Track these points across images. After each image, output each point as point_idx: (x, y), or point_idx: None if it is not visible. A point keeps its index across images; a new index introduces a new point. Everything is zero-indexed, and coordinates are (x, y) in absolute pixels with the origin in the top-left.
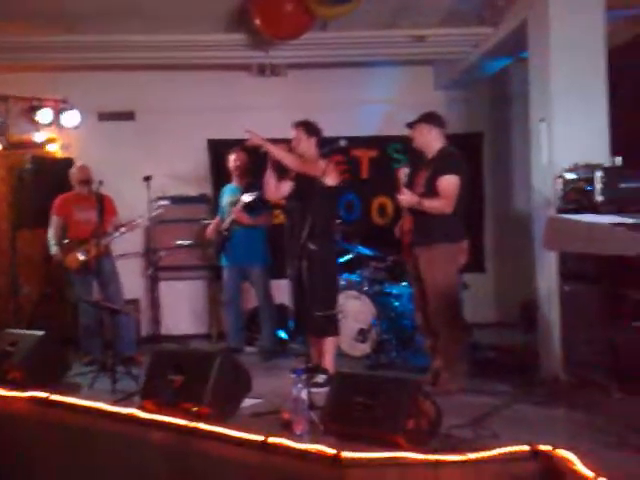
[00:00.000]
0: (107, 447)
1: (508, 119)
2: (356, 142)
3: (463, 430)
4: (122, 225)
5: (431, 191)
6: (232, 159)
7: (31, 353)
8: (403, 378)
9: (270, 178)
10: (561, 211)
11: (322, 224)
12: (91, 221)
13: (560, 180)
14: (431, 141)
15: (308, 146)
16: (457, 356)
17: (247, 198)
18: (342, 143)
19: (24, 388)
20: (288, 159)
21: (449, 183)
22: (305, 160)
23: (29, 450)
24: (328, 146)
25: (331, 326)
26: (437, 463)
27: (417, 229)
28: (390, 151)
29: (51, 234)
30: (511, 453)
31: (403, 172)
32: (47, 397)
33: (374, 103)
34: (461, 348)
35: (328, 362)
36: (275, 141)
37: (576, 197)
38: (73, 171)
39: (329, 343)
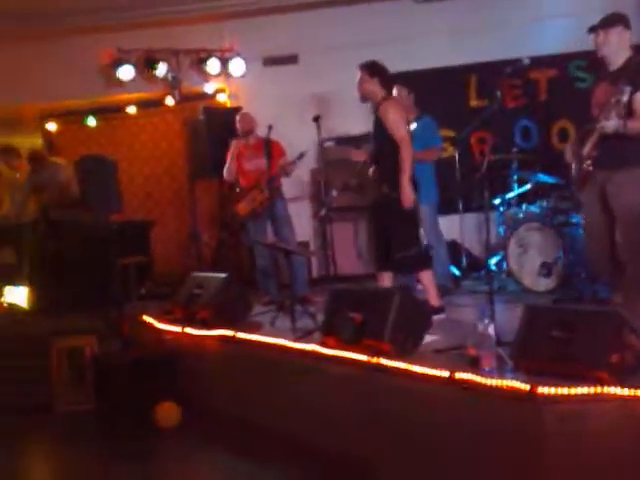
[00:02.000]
0: (292, 379)
1: None
2: (534, 62)
3: None
4: (287, 165)
5: (622, 112)
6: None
7: (216, 294)
8: (604, 310)
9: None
10: None
11: (393, 167)
12: (260, 168)
13: None
14: (623, 48)
15: (372, 86)
16: None
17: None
18: (526, 61)
19: (212, 327)
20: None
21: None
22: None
23: (221, 383)
24: (510, 67)
25: (417, 262)
26: None
27: (608, 153)
28: (572, 69)
29: (227, 176)
30: None
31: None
32: (234, 335)
33: (553, 18)
34: None
35: (433, 297)
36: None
37: None
38: (237, 120)
39: (426, 277)
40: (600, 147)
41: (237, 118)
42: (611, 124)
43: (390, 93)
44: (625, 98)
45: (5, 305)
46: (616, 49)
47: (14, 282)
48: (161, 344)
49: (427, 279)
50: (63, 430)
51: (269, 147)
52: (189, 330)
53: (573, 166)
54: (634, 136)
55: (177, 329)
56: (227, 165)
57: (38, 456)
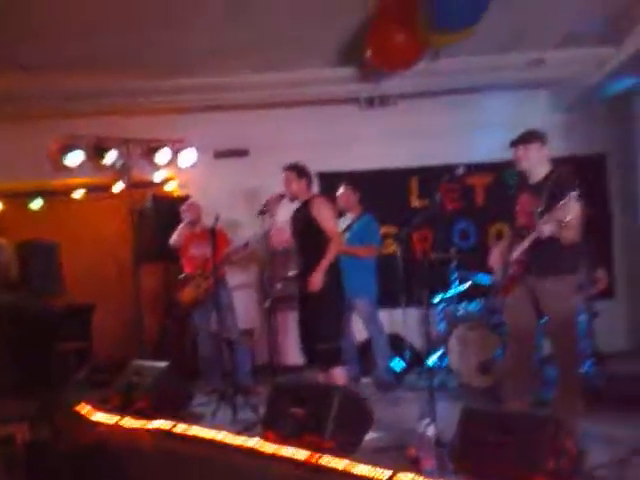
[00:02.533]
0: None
1: (633, 140)
2: (470, 169)
3: (607, 470)
4: (231, 252)
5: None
6: (339, 194)
7: (156, 383)
8: (542, 414)
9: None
10: None
11: (319, 260)
12: (204, 256)
13: None
14: (542, 162)
15: (299, 187)
16: (576, 391)
17: (346, 225)
18: (460, 171)
19: (150, 417)
20: (330, 255)
21: (576, 209)
22: (330, 230)
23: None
24: (446, 175)
25: (332, 357)
26: None
27: (541, 260)
28: (506, 177)
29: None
30: None
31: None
32: (171, 427)
33: (489, 128)
34: (579, 383)
35: None
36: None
37: None
38: (184, 209)
39: (337, 373)
40: (531, 253)
41: (184, 207)
42: (548, 228)
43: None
44: (572, 203)
45: None
46: (535, 163)
47: None
48: (94, 434)
49: (340, 376)
50: None
51: (214, 236)
52: (126, 420)
53: (496, 270)
54: (565, 243)
55: (113, 419)
56: (177, 232)
57: None
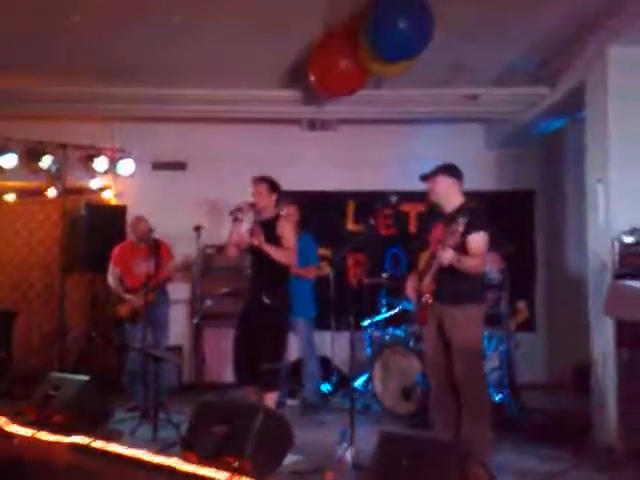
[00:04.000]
0: None
1: (561, 178)
2: (404, 197)
3: None
4: (171, 272)
5: (459, 249)
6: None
7: (74, 398)
8: (452, 441)
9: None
10: (619, 276)
11: (273, 277)
12: (147, 271)
13: (617, 243)
14: (452, 195)
15: (269, 202)
16: (484, 420)
17: None
18: (393, 200)
19: (66, 433)
20: (279, 255)
21: (481, 241)
22: (286, 247)
23: None
24: (380, 201)
25: (272, 381)
26: None
27: (445, 288)
28: (436, 207)
29: (112, 282)
30: None
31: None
32: (88, 444)
33: (423, 159)
34: (487, 412)
35: None
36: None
37: (634, 261)
38: (132, 223)
39: (269, 398)
40: (438, 281)
41: (132, 221)
42: (448, 255)
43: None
44: (460, 228)
45: None
46: (445, 195)
47: None
48: (8, 447)
49: (272, 400)
50: None
51: (157, 249)
52: (40, 435)
53: (413, 299)
54: (468, 272)
55: (28, 432)
56: (111, 270)
57: None
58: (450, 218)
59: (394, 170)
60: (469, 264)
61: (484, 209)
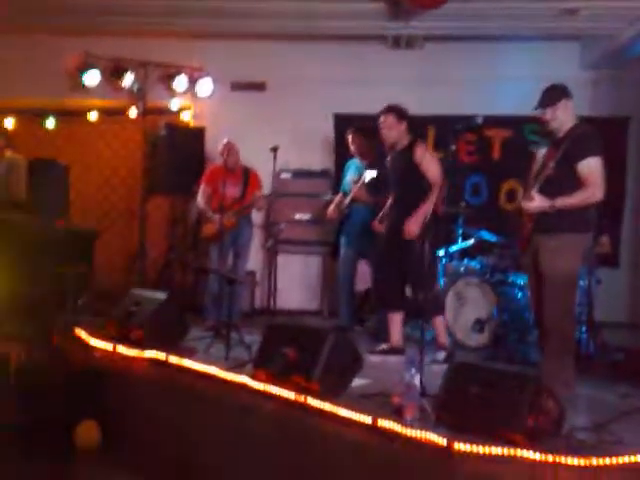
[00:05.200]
0: (217, 411)
1: None
2: (489, 121)
3: (586, 433)
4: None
5: (562, 175)
6: (349, 140)
7: (153, 314)
8: (526, 373)
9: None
10: None
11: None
12: (234, 195)
13: None
14: (567, 119)
15: (398, 131)
16: (566, 356)
17: (369, 176)
18: (479, 120)
19: (145, 347)
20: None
21: (593, 166)
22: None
23: (146, 408)
24: (463, 123)
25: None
26: (555, 465)
27: (541, 215)
28: (526, 132)
29: (200, 201)
30: (636, 462)
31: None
32: (165, 358)
33: (512, 80)
34: (571, 348)
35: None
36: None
37: None
38: (223, 149)
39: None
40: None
41: (221, 147)
42: (533, 205)
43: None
44: (559, 155)
45: None
46: (563, 121)
47: None
48: (90, 360)
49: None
50: None
51: (247, 176)
52: (121, 349)
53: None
54: (587, 203)
55: (109, 346)
56: (202, 189)
57: None
58: (558, 143)
59: (480, 92)
60: (571, 202)
61: (596, 132)
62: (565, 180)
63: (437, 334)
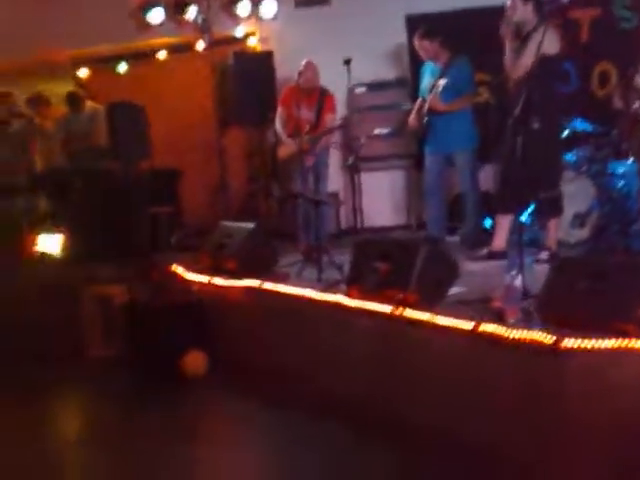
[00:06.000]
0: (317, 330)
1: None
2: (575, 0)
3: None
4: (330, 129)
5: None
6: (416, 46)
7: (244, 244)
8: (633, 261)
9: (510, 52)
10: None
11: (541, 98)
12: (308, 118)
13: None
14: None
15: (525, 13)
16: None
17: (442, 82)
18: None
19: (239, 277)
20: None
21: None
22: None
23: (247, 334)
24: (547, 5)
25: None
26: None
27: None
28: (617, 8)
29: (278, 124)
30: None
31: None
32: (260, 285)
33: None
34: None
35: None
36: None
37: None
38: (301, 70)
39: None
40: None
41: (301, 68)
42: None
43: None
44: None
45: (39, 253)
46: None
47: (48, 230)
48: (189, 293)
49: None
50: (92, 377)
51: (323, 99)
52: (216, 280)
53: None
54: None
55: (205, 278)
56: (278, 112)
57: (67, 402)
58: None
59: None
60: None
61: None
62: None
63: (549, 236)
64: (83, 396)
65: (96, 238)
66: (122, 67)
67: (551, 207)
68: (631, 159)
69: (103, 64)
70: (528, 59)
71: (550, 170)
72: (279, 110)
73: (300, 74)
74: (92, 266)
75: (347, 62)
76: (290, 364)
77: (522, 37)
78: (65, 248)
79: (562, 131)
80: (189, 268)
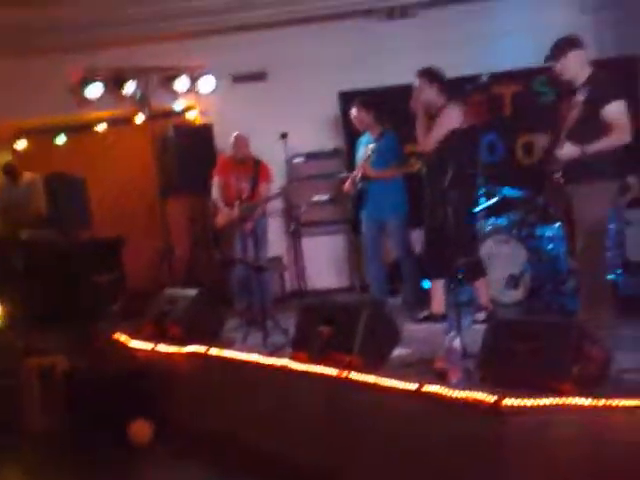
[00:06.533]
0: (263, 395)
1: None
2: (497, 78)
3: (635, 373)
4: (268, 198)
5: (587, 122)
6: (352, 116)
7: (188, 310)
8: (566, 321)
9: (420, 128)
10: None
11: (461, 170)
12: (244, 188)
13: None
14: (581, 68)
15: (430, 94)
16: (601, 299)
17: (372, 147)
18: (484, 78)
19: (183, 343)
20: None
21: (619, 110)
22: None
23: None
24: (470, 84)
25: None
26: (607, 409)
27: (570, 164)
28: (536, 84)
29: (215, 193)
30: None
31: None
32: (205, 351)
33: (513, 34)
34: (606, 290)
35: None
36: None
37: None
38: (233, 142)
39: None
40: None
41: (232, 140)
42: (566, 153)
43: (449, 98)
44: (581, 98)
45: None
46: (577, 71)
47: None
48: (132, 361)
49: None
50: (34, 450)
51: (257, 169)
52: (161, 346)
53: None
54: (611, 148)
55: (149, 346)
56: (215, 181)
57: (9, 477)
58: (574, 93)
59: (482, 51)
60: (601, 146)
61: (613, 75)
62: (591, 127)
63: (479, 296)
64: (25, 471)
65: (36, 308)
66: (61, 139)
67: (474, 271)
68: (558, 223)
69: (43, 135)
70: (437, 134)
71: (463, 238)
72: (215, 179)
73: (232, 146)
74: (32, 336)
75: (283, 136)
76: (238, 430)
77: (430, 114)
78: (4, 318)
79: (475, 201)
80: (133, 335)
